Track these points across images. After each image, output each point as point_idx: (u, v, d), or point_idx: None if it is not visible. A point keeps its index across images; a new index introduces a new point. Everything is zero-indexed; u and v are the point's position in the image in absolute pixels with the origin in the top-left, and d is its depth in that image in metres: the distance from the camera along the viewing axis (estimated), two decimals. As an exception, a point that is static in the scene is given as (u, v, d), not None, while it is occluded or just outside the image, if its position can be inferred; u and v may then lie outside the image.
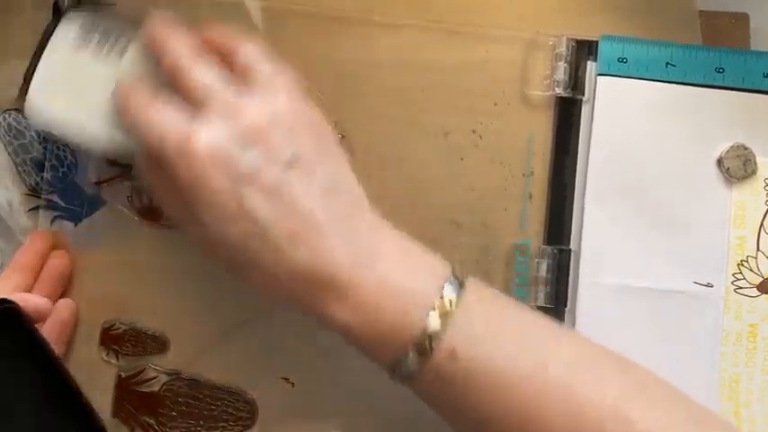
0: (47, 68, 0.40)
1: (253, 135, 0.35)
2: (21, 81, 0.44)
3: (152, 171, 0.38)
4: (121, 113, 0.38)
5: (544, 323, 0.38)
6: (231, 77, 0.37)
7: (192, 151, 0.35)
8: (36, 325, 0.43)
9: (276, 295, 0.36)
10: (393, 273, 0.36)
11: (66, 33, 0.41)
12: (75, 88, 0.40)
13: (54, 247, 0.45)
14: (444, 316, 0.35)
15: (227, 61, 0.38)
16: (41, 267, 0.44)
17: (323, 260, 0.35)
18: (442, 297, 0.35)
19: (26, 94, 0.40)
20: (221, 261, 0.37)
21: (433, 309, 0.35)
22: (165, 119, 0.36)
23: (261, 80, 0.37)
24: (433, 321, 0.35)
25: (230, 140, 0.35)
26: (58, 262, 0.44)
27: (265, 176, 0.35)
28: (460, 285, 0.36)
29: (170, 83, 0.38)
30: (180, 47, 0.38)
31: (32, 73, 0.40)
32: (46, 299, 0.42)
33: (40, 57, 0.41)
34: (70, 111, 0.40)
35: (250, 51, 0.38)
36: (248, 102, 0.36)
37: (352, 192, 0.38)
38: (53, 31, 0.41)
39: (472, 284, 0.37)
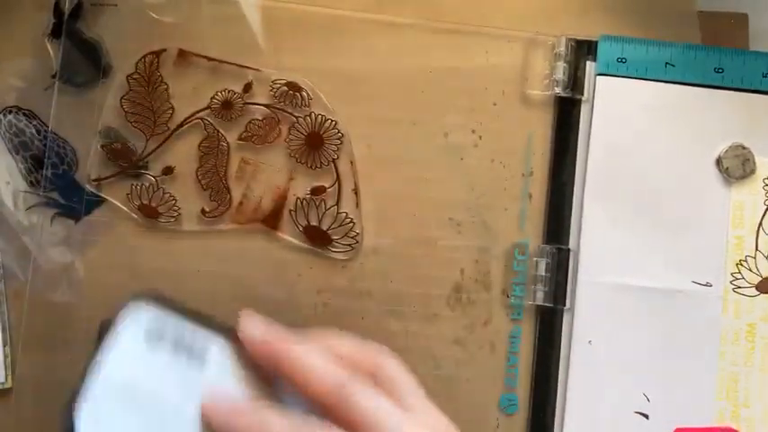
0: (110, 371, 0.33)
1: None
2: (20, 81, 0.45)
3: None
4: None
5: None
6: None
7: None
8: None
9: None
10: None
11: (134, 330, 0.34)
12: (147, 395, 0.33)
13: None
14: None
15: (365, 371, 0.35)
16: None
17: None
18: None
19: (81, 395, 0.32)
20: None
21: None
22: None
23: (410, 404, 0.34)
24: None
25: None
26: None
27: None
28: None
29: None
30: (325, 369, 0.34)
31: (91, 373, 0.33)
32: None
33: (98, 353, 0.33)
34: (140, 421, 0.33)
35: (394, 368, 0.35)
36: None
37: None
38: (112, 323, 0.34)
39: None
